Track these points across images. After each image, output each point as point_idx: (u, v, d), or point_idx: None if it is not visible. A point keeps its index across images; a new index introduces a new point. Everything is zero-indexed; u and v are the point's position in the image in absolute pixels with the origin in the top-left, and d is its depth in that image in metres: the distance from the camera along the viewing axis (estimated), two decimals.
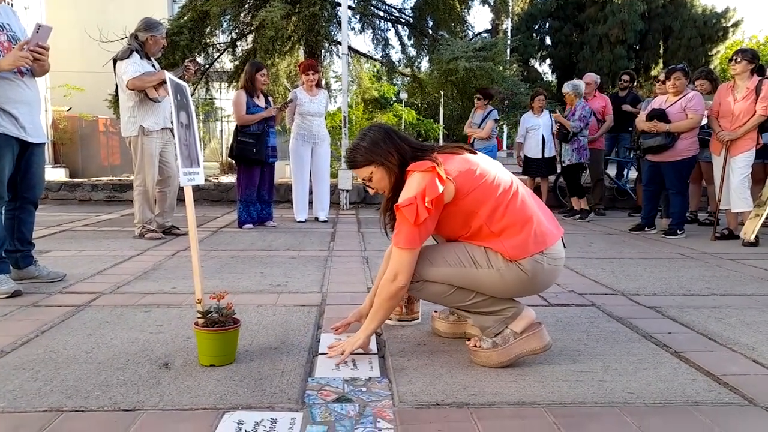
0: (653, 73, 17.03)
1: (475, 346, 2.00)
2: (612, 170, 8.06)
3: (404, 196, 1.88)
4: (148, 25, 4.61)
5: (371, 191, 2.11)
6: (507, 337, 1.96)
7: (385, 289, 1.95)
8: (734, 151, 4.90)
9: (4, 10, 2.94)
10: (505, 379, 1.86)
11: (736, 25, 17.82)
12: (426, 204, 1.83)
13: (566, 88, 6.85)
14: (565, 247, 2.04)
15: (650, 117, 5.19)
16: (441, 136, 18.49)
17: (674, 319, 2.60)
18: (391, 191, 2.02)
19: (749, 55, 4.88)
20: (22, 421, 1.53)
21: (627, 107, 7.24)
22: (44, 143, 3.13)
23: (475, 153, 2.05)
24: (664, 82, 5.60)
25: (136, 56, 4.49)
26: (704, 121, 5.18)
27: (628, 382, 1.84)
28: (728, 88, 5.01)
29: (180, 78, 3.28)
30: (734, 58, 4.94)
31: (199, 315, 1.95)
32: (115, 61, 4.59)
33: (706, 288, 3.22)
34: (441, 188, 1.84)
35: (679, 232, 5.18)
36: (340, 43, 8.80)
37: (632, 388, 1.80)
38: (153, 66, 4.65)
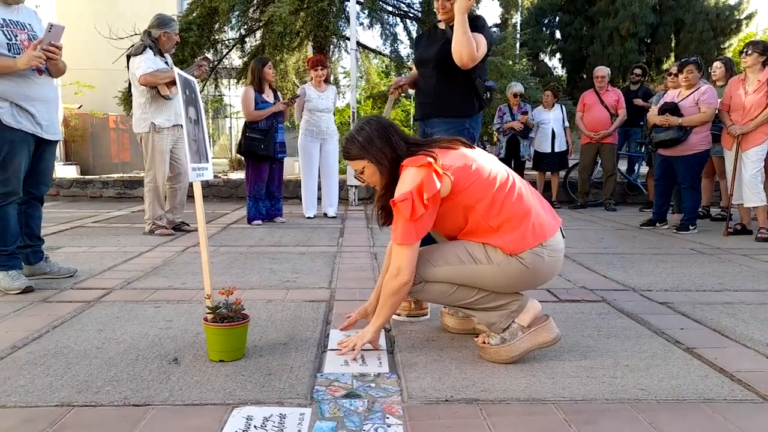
0: (665, 66, 16.84)
1: (484, 342, 1.99)
2: (623, 165, 8.00)
3: (399, 191, 1.87)
4: (162, 21, 4.63)
5: (362, 183, 2.11)
6: (515, 332, 1.95)
7: (388, 285, 1.95)
8: (746, 145, 4.83)
9: (26, 11, 3.00)
10: (515, 375, 1.85)
11: (749, 17, 17.56)
12: (424, 200, 1.82)
13: (520, 88, 7.31)
14: (564, 237, 2.02)
15: (662, 111, 5.14)
16: None
17: (686, 315, 2.57)
18: (383, 188, 2.01)
19: (760, 47, 4.81)
20: (33, 416, 1.54)
21: (638, 101, 7.18)
22: (58, 141, 3.16)
23: (472, 147, 2.04)
24: (676, 75, 5.55)
25: (149, 52, 4.51)
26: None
27: (639, 379, 1.82)
28: (739, 81, 4.94)
29: (192, 75, 3.29)
30: (745, 50, 4.87)
31: (209, 310, 1.96)
32: (128, 57, 4.62)
33: (719, 284, 3.19)
34: (438, 185, 1.83)
35: (691, 228, 5.13)
36: (348, 39, 8.78)
37: (644, 384, 1.78)
38: (166, 63, 4.67)
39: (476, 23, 2.89)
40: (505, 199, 1.91)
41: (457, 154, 1.95)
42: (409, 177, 1.87)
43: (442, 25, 3.05)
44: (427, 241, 2.09)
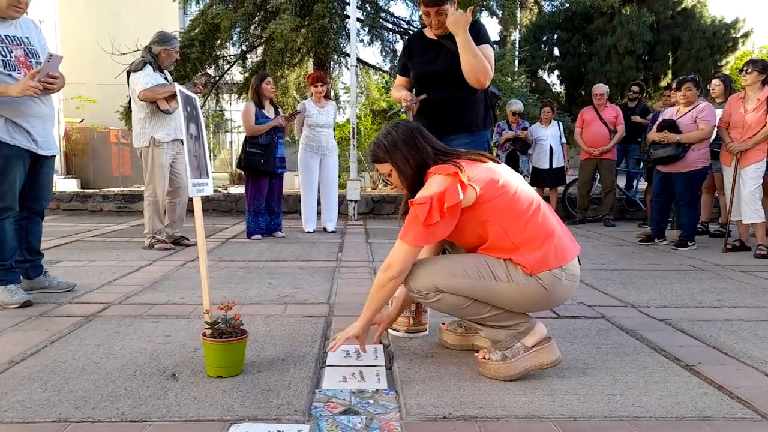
0: (662, 84, 16.95)
1: (484, 358, 1.99)
2: (621, 181, 8.04)
3: (421, 194, 1.89)
4: (162, 38, 4.68)
5: (390, 186, 2.14)
6: (517, 351, 1.94)
7: (377, 277, 2.00)
8: (744, 162, 4.86)
9: (25, 23, 2.98)
10: (514, 392, 1.84)
11: (746, 35, 17.72)
12: (443, 209, 1.83)
13: (519, 106, 7.40)
14: (579, 264, 2.02)
15: (661, 127, 5.18)
16: None
17: (685, 331, 2.57)
18: (410, 192, 2.03)
19: (760, 65, 4.86)
20: None
21: (636, 118, 7.23)
22: (55, 155, 3.17)
23: (498, 162, 2.06)
24: (677, 90, 5.58)
25: (149, 68, 4.56)
26: (715, 133, 5.16)
27: (638, 396, 1.82)
28: (739, 99, 4.98)
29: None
30: (745, 68, 4.92)
31: (207, 326, 1.95)
32: (128, 73, 4.67)
33: (718, 300, 3.19)
34: (461, 196, 1.84)
35: (689, 244, 5.14)
36: (348, 55, 8.86)
37: (643, 401, 1.78)
38: (166, 78, 4.71)
39: (479, 32, 2.72)
40: (530, 217, 1.92)
41: (484, 168, 1.96)
42: (434, 184, 1.88)
43: (430, 34, 2.87)
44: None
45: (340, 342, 2.06)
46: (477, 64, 2.66)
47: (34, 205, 3.11)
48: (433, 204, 1.83)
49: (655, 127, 5.34)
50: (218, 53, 9.78)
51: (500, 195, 1.90)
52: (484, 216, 1.91)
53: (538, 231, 1.91)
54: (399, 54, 3.17)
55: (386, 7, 10.68)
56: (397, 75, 3.12)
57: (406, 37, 10.72)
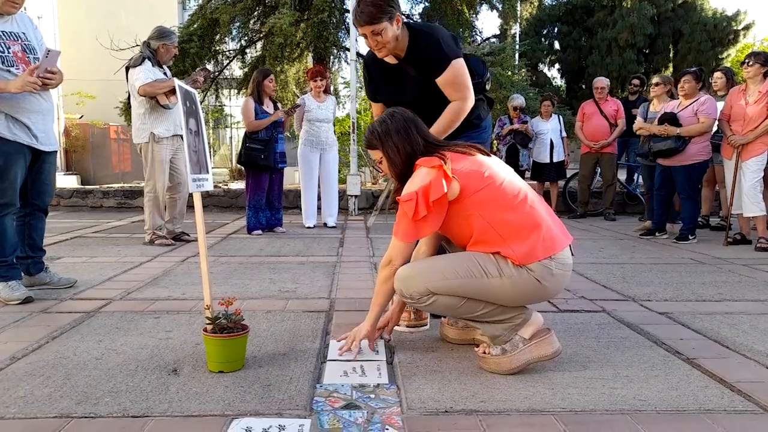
0: None
1: (484, 352, 1.99)
2: (622, 175, 8.03)
3: (407, 189, 1.92)
4: (161, 33, 4.66)
5: (381, 174, 2.16)
6: (516, 344, 1.95)
7: (380, 273, 2.04)
8: (746, 155, 4.85)
9: (21, 19, 2.97)
10: (515, 385, 1.84)
11: (747, 28, 17.67)
12: (429, 202, 1.85)
13: (521, 101, 7.43)
14: (573, 254, 2.02)
15: (661, 120, 5.17)
16: None
17: (686, 325, 2.57)
18: (398, 181, 2.06)
19: (762, 58, 4.84)
20: (32, 427, 1.54)
21: (637, 111, 7.21)
22: (56, 151, 3.17)
23: (488, 155, 2.05)
24: (656, 85, 5.69)
25: (147, 63, 4.55)
26: (716, 126, 5.15)
27: (639, 389, 1.82)
28: (740, 92, 4.96)
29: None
30: (746, 61, 4.90)
31: (208, 321, 1.96)
32: (127, 68, 4.66)
33: (719, 294, 3.19)
34: (445, 188, 1.85)
35: (690, 237, 5.14)
36: (348, 50, 8.84)
37: (644, 395, 1.78)
38: (164, 74, 4.70)
39: (438, 53, 2.42)
40: (516, 207, 1.92)
41: (471, 160, 1.97)
42: (418, 177, 1.90)
43: (390, 58, 2.56)
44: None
45: (356, 347, 2.09)
46: (455, 124, 2.48)
47: (37, 201, 3.11)
48: (419, 199, 1.85)
49: (641, 120, 5.41)
50: (217, 48, 9.74)
51: (485, 187, 1.91)
52: (468, 210, 1.92)
53: (524, 222, 1.91)
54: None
55: None
56: (371, 102, 2.85)
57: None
